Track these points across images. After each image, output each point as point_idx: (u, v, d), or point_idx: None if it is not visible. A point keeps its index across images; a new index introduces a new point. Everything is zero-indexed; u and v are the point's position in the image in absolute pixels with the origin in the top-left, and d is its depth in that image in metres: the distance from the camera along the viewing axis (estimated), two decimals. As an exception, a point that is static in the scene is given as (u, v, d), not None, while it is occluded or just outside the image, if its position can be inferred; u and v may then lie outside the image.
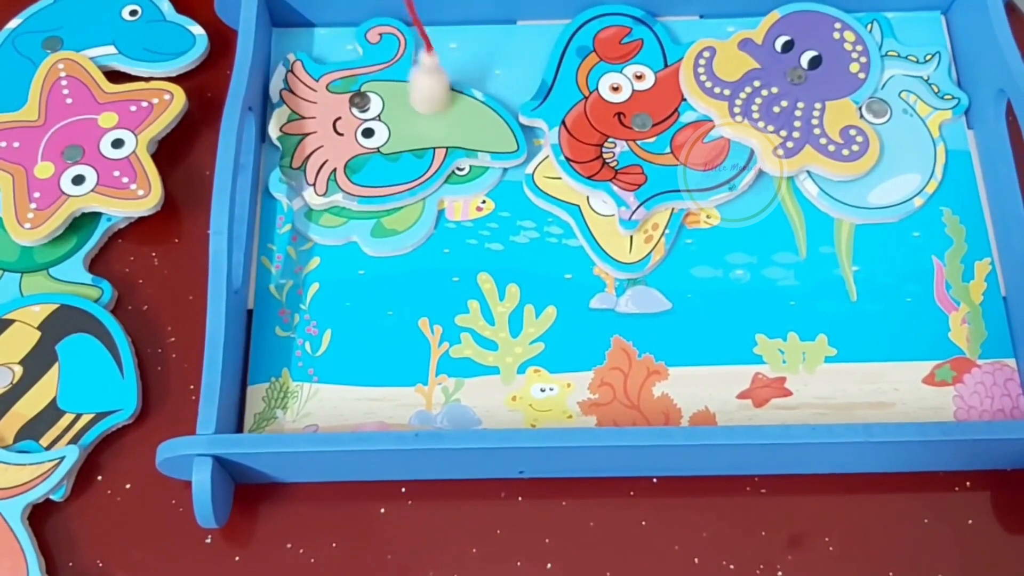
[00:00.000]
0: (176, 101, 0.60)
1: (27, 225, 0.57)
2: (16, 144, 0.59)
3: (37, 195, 0.58)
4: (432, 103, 0.59)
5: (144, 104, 0.60)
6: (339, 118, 0.59)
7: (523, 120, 0.60)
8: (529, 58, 0.62)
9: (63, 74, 0.61)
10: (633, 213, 0.57)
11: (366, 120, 0.59)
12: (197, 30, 0.64)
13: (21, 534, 0.51)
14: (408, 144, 0.59)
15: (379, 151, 0.59)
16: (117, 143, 0.59)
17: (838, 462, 0.53)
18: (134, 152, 0.59)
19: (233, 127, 0.55)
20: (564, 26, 0.62)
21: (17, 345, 0.55)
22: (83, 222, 0.59)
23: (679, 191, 0.57)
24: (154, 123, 0.60)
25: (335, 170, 0.58)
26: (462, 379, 0.54)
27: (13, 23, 0.64)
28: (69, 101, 0.60)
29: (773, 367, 0.55)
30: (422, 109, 0.59)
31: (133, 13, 0.64)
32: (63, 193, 0.58)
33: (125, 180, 0.58)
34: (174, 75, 0.63)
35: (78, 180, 0.58)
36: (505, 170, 0.59)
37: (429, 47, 0.56)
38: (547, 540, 0.52)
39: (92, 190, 0.58)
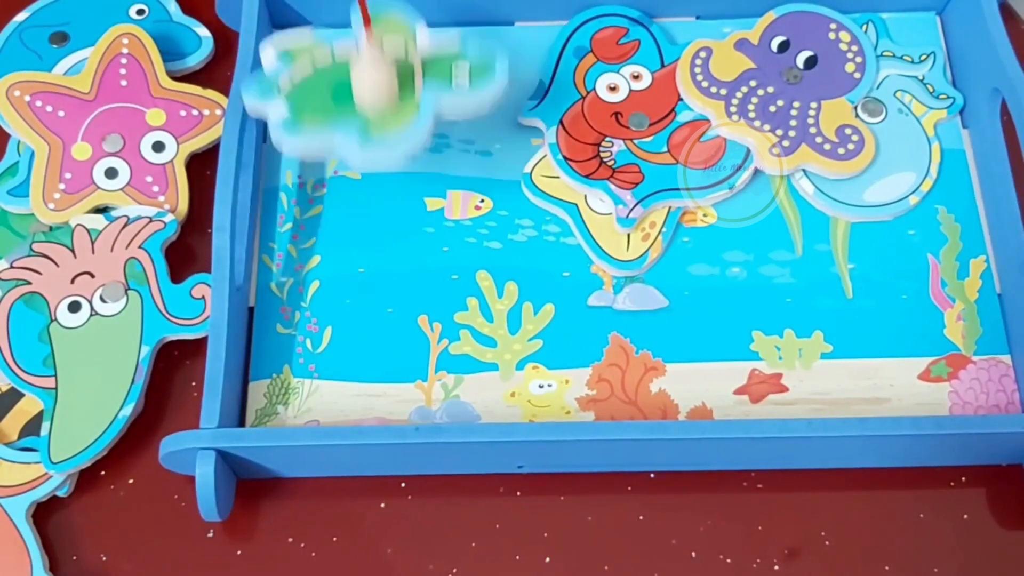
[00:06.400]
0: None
1: (51, 205, 0.57)
2: (61, 113, 0.59)
3: (68, 176, 0.57)
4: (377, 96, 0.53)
5: (195, 112, 0.60)
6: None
7: (521, 120, 0.60)
8: (527, 59, 0.62)
9: (125, 51, 0.60)
10: (630, 211, 0.57)
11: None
12: (203, 32, 0.64)
13: (25, 532, 0.51)
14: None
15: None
16: (158, 146, 0.59)
17: (834, 457, 0.53)
18: (172, 162, 0.59)
19: (235, 127, 0.55)
20: (561, 27, 0.63)
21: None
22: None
23: (676, 189, 0.58)
24: (199, 136, 0.59)
25: None
26: (461, 375, 0.55)
27: (20, 16, 0.64)
28: (124, 83, 0.60)
29: (770, 363, 0.55)
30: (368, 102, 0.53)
31: (140, 12, 0.64)
32: (94, 183, 0.58)
33: (156, 189, 0.58)
34: (179, 76, 0.63)
35: (111, 173, 0.58)
36: (502, 168, 0.59)
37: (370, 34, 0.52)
38: (545, 534, 0.52)
39: (121, 188, 0.58)
